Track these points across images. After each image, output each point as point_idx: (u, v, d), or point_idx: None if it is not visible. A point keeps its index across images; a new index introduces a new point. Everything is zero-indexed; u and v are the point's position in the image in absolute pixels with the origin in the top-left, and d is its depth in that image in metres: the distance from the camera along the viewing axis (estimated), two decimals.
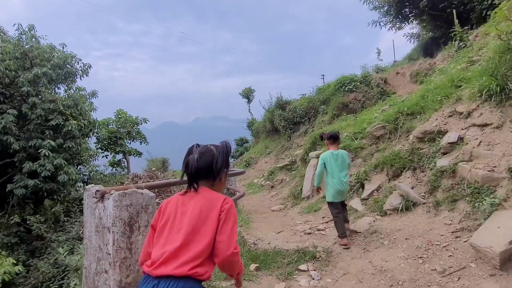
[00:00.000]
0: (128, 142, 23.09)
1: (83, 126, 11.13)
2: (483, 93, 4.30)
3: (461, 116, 4.52)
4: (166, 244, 1.35)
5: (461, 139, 4.23)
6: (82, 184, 16.44)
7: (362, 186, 5.38)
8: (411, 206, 4.15)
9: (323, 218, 5.25)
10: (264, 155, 14.78)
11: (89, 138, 13.56)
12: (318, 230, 4.64)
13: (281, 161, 11.79)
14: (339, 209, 3.98)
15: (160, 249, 1.35)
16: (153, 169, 13.70)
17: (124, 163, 22.53)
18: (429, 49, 14.60)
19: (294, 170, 9.53)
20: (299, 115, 13.16)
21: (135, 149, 23.08)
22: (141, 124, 23.65)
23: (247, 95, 22.90)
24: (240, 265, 1.47)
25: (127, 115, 22.38)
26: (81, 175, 16.66)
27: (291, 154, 10.97)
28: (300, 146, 11.17)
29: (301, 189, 7.09)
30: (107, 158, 21.81)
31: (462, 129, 4.33)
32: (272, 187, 9.72)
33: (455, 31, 9.42)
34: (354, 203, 5.15)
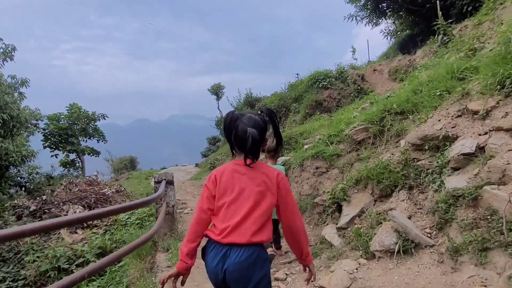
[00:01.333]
0: (84, 140, 20.77)
1: (2, 121, 9.03)
2: (508, 85, 3.05)
3: (475, 116, 3.24)
4: (232, 217, 1.46)
5: (481, 148, 2.94)
6: (19, 189, 14.15)
7: (339, 208, 3.97)
8: (412, 249, 2.79)
9: (285, 253, 3.80)
10: (231, 157, 13.24)
11: (17, 136, 11.30)
12: (277, 279, 3.16)
13: None
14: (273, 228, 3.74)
15: (227, 221, 1.46)
16: (95, 173, 11.83)
17: (78, 162, 20.20)
18: (405, 47, 13.88)
19: None
20: None
21: (92, 147, 20.75)
22: (99, 120, 21.34)
23: (216, 91, 21.22)
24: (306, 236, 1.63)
25: (82, 110, 20.01)
26: (19, 178, 14.48)
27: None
28: None
29: None
30: (57, 157, 19.42)
31: (480, 135, 3.04)
32: None
33: (438, 24, 8.50)
34: (328, 233, 3.72)
